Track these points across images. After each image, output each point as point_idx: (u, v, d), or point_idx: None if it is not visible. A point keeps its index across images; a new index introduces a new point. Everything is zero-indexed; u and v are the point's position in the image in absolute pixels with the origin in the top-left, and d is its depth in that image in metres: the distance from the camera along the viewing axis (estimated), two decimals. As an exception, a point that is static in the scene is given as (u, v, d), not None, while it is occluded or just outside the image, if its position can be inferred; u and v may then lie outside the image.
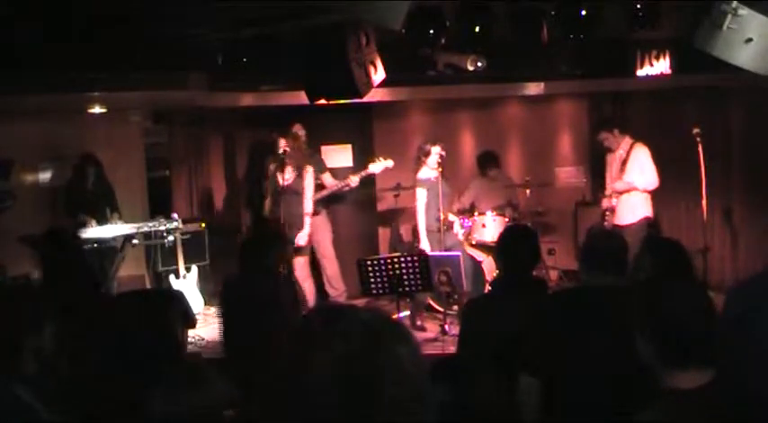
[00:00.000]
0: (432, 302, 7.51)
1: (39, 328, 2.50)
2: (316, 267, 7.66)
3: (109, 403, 2.71)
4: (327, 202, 7.75)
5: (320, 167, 7.64)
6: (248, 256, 4.81)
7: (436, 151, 7.19)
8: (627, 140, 7.27)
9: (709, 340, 2.15)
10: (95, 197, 7.48)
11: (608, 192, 7.39)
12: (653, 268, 3.47)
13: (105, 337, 3.20)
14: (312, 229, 7.36)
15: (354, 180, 7.49)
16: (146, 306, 3.56)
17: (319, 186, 7.56)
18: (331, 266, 7.62)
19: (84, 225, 7.11)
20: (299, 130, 7.36)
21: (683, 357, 2.13)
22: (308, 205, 7.23)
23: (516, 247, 3.77)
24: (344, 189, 7.64)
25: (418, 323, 7.31)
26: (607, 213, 7.30)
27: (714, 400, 2.09)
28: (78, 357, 2.71)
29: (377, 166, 7.45)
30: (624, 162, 7.18)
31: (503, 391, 2.97)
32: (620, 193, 7.19)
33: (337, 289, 7.66)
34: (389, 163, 7.45)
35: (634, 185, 7.15)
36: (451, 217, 7.55)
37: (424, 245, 7.21)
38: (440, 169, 7.13)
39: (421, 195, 7.29)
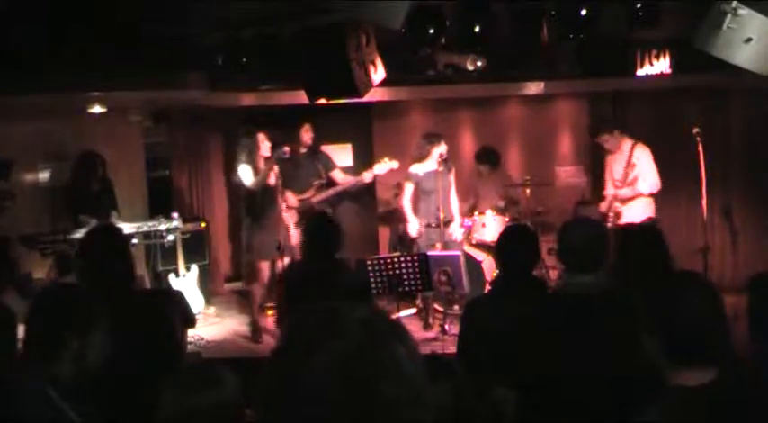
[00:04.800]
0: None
1: (85, 332, 2.45)
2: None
3: (127, 403, 2.69)
4: (334, 202, 7.70)
5: (328, 165, 7.62)
6: (314, 245, 4.70)
7: (438, 152, 7.18)
8: (627, 141, 7.17)
9: (714, 338, 2.15)
10: (99, 195, 7.46)
11: (608, 193, 7.30)
12: (631, 262, 3.47)
13: (126, 337, 3.20)
14: None
15: (368, 176, 7.38)
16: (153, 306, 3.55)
17: (328, 184, 7.52)
18: None
19: (83, 225, 7.09)
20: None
21: (689, 355, 2.13)
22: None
23: (516, 246, 3.77)
24: (358, 185, 7.59)
25: (430, 321, 7.31)
26: (610, 215, 7.17)
27: (719, 397, 2.08)
28: (107, 358, 2.68)
29: (382, 168, 7.33)
30: (628, 165, 7.06)
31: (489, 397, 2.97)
32: (625, 200, 7.09)
33: None
34: (394, 164, 7.32)
35: (639, 192, 7.05)
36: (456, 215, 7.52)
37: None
38: (440, 167, 7.13)
39: (407, 190, 7.43)
